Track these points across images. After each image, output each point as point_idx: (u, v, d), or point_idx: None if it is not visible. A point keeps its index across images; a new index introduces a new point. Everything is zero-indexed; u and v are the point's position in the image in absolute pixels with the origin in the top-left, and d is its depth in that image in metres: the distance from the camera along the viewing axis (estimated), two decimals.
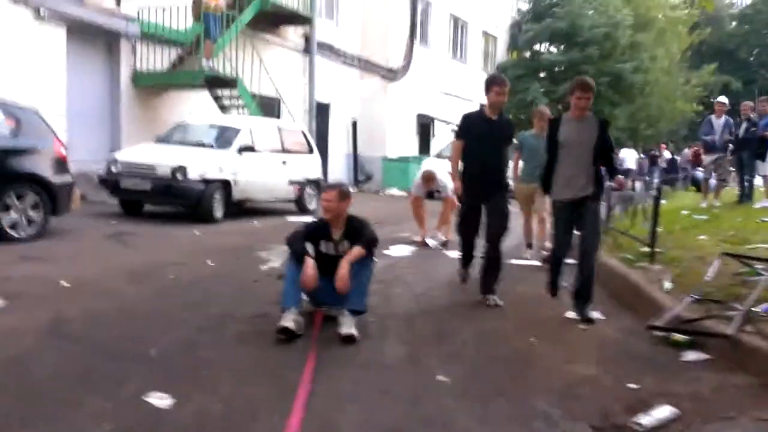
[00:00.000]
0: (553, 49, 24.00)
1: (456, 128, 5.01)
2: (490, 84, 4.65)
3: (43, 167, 6.36)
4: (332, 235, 3.86)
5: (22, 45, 9.22)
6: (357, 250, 3.70)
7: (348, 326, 3.54)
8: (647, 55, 23.65)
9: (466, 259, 5.10)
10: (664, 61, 24.70)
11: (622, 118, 22.71)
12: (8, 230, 6.03)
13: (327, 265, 3.72)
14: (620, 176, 4.73)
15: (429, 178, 7.45)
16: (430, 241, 7.42)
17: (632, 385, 3.01)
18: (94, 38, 10.57)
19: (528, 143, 6.36)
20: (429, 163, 8.09)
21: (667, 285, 4.48)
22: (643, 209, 6.91)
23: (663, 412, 2.65)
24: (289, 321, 3.47)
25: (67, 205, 6.65)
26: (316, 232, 3.87)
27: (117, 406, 2.56)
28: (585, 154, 4.21)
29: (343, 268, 3.61)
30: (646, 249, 5.62)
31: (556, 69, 22.87)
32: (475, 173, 4.72)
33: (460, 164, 4.83)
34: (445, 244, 7.27)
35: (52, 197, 6.38)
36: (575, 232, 4.46)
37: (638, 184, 11.89)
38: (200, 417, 2.51)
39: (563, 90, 21.05)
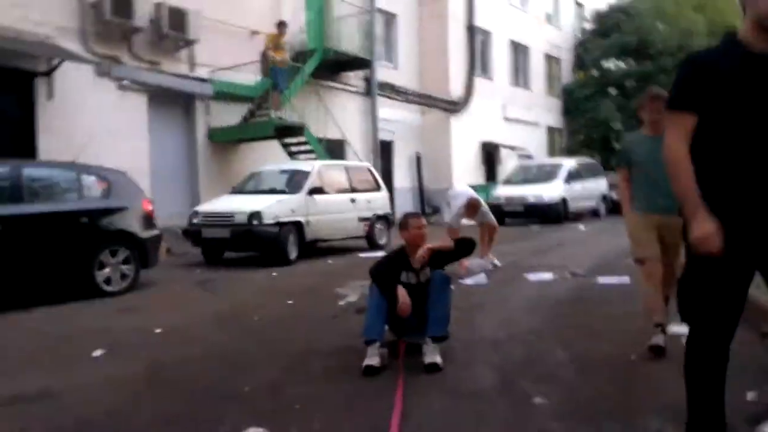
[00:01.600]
0: (622, 64, 23.40)
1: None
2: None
3: (133, 224, 6.76)
4: (412, 264, 3.85)
5: (108, 113, 10.01)
6: (445, 244, 3.93)
7: (431, 354, 3.49)
8: None
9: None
10: None
11: None
12: (103, 285, 6.40)
13: (408, 294, 3.70)
14: None
15: (475, 205, 6.98)
16: (482, 265, 7.00)
17: (751, 395, 2.82)
18: (172, 101, 11.32)
19: (637, 150, 3.84)
20: (463, 189, 7.51)
21: None
22: None
23: None
24: (373, 359, 3.46)
25: (155, 258, 7.02)
26: (396, 262, 3.87)
27: None
28: None
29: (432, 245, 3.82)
30: None
31: (627, 84, 22.19)
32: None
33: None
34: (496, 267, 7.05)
35: (142, 252, 6.75)
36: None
37: None
38: None
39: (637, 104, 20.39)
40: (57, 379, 3.60)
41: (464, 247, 3.96)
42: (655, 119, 3.69)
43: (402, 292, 3.65)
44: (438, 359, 3.47)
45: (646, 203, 3.75)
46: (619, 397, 2.95)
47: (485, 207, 7.15)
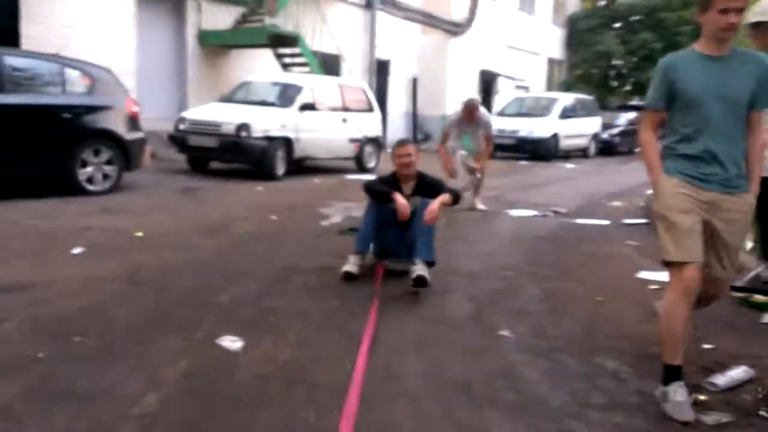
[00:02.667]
0: None
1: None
2: None
3: (117, 124, 6.61)
4: (402, 191, 3.87)
5: (93, 7, 9.51)
6: (446, 197, 3.81)
7: (421, 269, 3.55)
8: None
9: None
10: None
11: None
12: (85, 184, 6.36)
13: (396, 218, 3.78)
14: None
15: (472, 108, 6.44)
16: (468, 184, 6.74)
17: (708, 346, 2.92)
18: None
19: (688, 79, 2.34)
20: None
21: (748, 245, 4.24)
22: None
23: (739, 372, 2.56)
24: (352, 267, 3.73)
25: (139, 161, 6.93)
26: (387, 184, 3.91)
27: (191, 346, 2.69)
28: None
29: (435, 204, 3.70)
30: None
31: (632, 18, 21.63)
32: None
33: None
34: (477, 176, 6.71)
35: (125, 153, 6.65)
36: None
37: None
38: (269, 360, 2.59)
39: (640, 39, 20.05)
40: (36, 273, 3.63)
41: (457, 200, 4.01)
42: (725, 27, 2.23)
43: (398, 196, 3.75)
44: (426, 274, 3.53)
45: (692, 168, 2.32)
46: (581, 336, 3.05)
47: (485, 113, 6.79)
